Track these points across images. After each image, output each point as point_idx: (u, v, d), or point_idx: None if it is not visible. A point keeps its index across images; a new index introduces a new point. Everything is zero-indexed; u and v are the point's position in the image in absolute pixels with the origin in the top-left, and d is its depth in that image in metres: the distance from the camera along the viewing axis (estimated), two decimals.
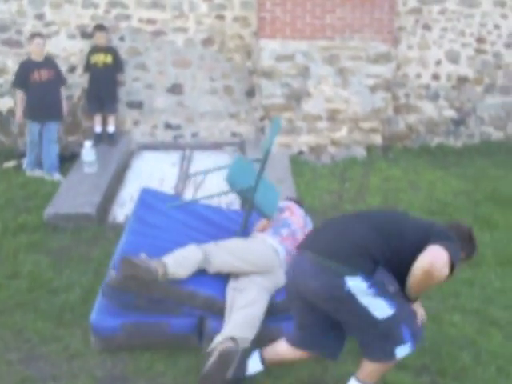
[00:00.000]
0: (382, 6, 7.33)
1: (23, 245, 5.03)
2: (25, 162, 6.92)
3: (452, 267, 2.79)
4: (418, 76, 8.07)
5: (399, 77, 7.98)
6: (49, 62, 6.87)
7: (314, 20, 7.24)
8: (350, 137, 7.61)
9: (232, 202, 6.02)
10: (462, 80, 8.16)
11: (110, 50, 7.36)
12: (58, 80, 6.90)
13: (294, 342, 3.20)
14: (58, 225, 5.42)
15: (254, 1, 7.42)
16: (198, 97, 7.82)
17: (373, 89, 7.50)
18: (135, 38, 7.59)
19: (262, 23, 7.26)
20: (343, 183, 6.50)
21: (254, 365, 3.28)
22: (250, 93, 7.82)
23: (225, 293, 3.74)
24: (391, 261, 2.88)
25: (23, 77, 6.69)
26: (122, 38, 7.57)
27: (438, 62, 8.06)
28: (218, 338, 3.38)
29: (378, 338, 2.89)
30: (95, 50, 7.32)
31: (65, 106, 6.93)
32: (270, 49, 7.29)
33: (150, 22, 7.56)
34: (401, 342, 2.88)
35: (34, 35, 6.82)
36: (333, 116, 7.52)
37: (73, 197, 5.84)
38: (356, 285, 2.80)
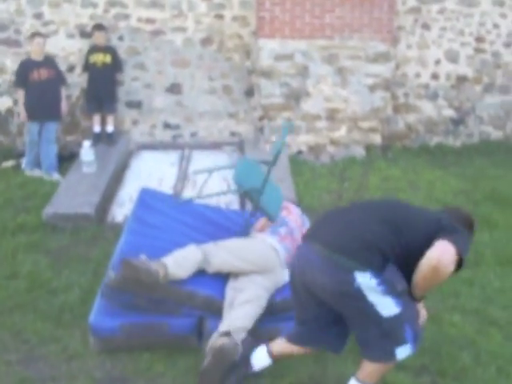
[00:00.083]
0: (381, 5, 7.32)
1: (22, 245, 5.02)
2: (23, 161, 6.91)
3: (461, 260, 2.77)
4: (417, 75, 8.07)
5: (398, 76, 7.98)
6: (49, 62, 6.87)
7: (313, 19, 7.23)
8: (349, 136, 7.60)
9: (231, 201, 6.03)
10: (461, 79, 8.16)
11: (108, 49, 7.35)
12: (58, 80, 6.90)
13: (293, 340, 3.19)
14: (57, 225, 5.41)
15: (253, 0, 7.41)
16: (197, 96, 7.81)
17: (372, 88, 7.50)
18: (134, 38, 7.58)
19: (261, 23, 7.26)
20: (342, 183, 6.49)
21: (261, 360, 3.25)
22: (249, 92, 7.81)
23: (224, 293, 3.73)
24: (400, 256, 2.84)
25: (23, 76, 6.69)
26: (120, 38, 7.56)
27: (437, 62, 8.06)
28: (215, 335, 3.39)
29: (379, 337, 2.86)
30: (94, 49, 7.31)
31: (64, 106, 6.92)
32: (269, 48, 7.29)
33: (149, 21, 7.55)
34: (402, 342, 2.86)
35: (34, 35, 6.83)
36: (332, 115, 7.52)
37: (72, 197, 5.84)
38: (365, 281, 2.77)
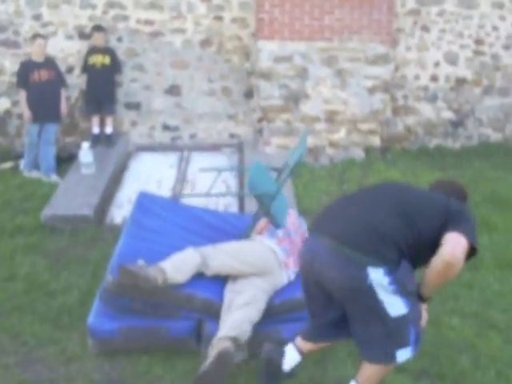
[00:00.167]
0: (381, 7, 7.31)
1: (20, 246, 5.01)
2: (22, 163, 6.90)
3: (473, 250, 2.77)
4: (417, 77, 8.06)
5: (397, 78, 7.98)
6: (49, 63, 6.87)
7: (313, 21, 7.23)
8: (348, 138, 7.60)
9: (230, 204, 6.02)
10: (461, 81, 8.16)
11: (107, 50, 7.34)
12: (59, 81, 6.89)
13: (306, 337, 3.17)
14: (56, 226, 5.40)
15: (253, 2, 7.41)
16: (196, 98, 7.80)
17: (371, 90, 7.49)
18: (133, 39, 7.57)
19: (260, 24, 7.25)
20: (341, 185, 6.50)
21: (291, 358, 3.20)
22: (248, 94, 7.80)
23: (223, 295, 3.72)
24: (412, 247, 2.80)
25: (24, 77, 6.68)
26: (119, 39, 7.55)
27: (437, 64, 8.06)
28: (216, 339, 3.37)
29: (383, 336, 2.82)
30: (93, 50, 7.30)
31: (64, 108, 6.90)
32: (268, 50, 7.28)
33: (148, 22, 7.54)
34: (405, 344, 2.83)
35: (35, 36, 6.83)
36: (331, 117, 7.51)
37: (70, 198, 5.83)
38: (378, 278, 2.71)
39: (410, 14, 7.86)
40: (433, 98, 8.15)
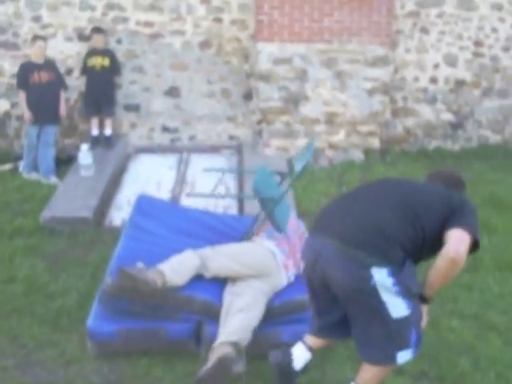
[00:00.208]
0: (380, 9, 7.32)
1: (19, 249, 5.00)
2: (21, 164, 6.89)
3: (476, 243, 2.79)
4: (416, 79, 8.07)
5: (397, 80, 7.98)
6: (49, 65, 6.88)
7: (312, 23, 7.23)
8: (347, 140, 7.59)
9: (229, 206, 6.01)
10: (460, 83, 8.16)
11: (107, 52, 7.33)
12: (59, 83, 6.89)
13: (314, 332, 3.17)
14: (55, 228, 5.40)
15: (252, 4, 7.41)
16: (196, 100, 7.80)
17: (371, 92, 7.49)
18: (132, 41, 7.57)
19: (259, 26, 7.25)
20: (341, 187, 6.50)
21: (301, 357, 3.19)
22: (248, 96, 7.80)
23: (222, 297, 3.71)
24: (416, 245, 2.80)
25: (24, 78, 6.68)
26: (119, 41, 7.55)
27: (436, 66, 8.06)
28: (217, 343, 3.36)
29: (383, 337, 2.81)
30: (92, 52, 7.29)
31: (63, 109, 6.90)
32: (267, 52, 7.28)
33: (148, 24, 7.54)
34: (405, 346, 2.83)
35: (35, 37, 6.83)
36: (330, 119, 7.51)
37: (69, 200, 5.82)
38: (382, 278, 2.70)
39: (409, 15, 7.86)
40: (432, 100, 8.15)
